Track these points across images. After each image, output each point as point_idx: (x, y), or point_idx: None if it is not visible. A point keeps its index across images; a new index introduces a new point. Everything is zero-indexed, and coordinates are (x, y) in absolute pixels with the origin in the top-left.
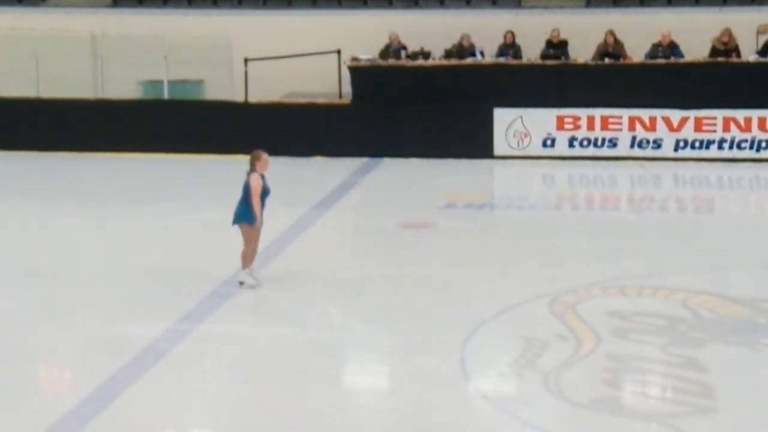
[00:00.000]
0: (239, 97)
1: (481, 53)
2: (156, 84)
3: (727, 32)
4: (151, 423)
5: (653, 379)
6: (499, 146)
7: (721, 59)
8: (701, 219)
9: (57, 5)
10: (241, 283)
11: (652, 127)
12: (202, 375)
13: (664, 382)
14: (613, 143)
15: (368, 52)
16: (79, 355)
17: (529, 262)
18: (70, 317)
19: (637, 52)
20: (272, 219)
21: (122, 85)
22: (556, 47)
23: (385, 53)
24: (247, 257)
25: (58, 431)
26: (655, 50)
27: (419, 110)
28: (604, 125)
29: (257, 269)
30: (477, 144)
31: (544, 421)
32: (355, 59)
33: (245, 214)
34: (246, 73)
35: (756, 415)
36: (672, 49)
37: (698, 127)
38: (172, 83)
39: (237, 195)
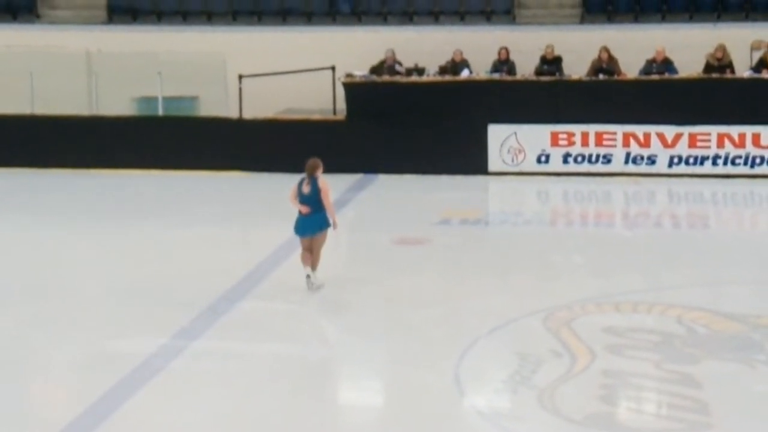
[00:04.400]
0: (234, 114)
1: (469, 69)
2: (150, 100)
3: (721, 48)
4: None
5: (648, 395)
6: (494, 162)
7: (715, 75)
8: (696, 235)
9: (52, 22)
10: (319, 286)
11: (646, 143)
12: (196, 391)
13: (658, 399)
14: (607, 159)
15: (363, 69)
16: (74, 372)
17: (524, 278)
18: (65, 333)
19: (631, 68)
20: (267, 235)
21: (117, 101)
22: (551, 63)
23: (379, 69)
24: (318, 261)
25: None
26: (650, 66)
27: (414, 126)
28: (599, 141)
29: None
30: (471, 160)
31: None
32: (349, 75)
33: (325, 221)
34: (240, 89)
35: (750, 430)
36: (666, 65)
37: (692, 143)
38: (166, 100)
39: (232, 210)
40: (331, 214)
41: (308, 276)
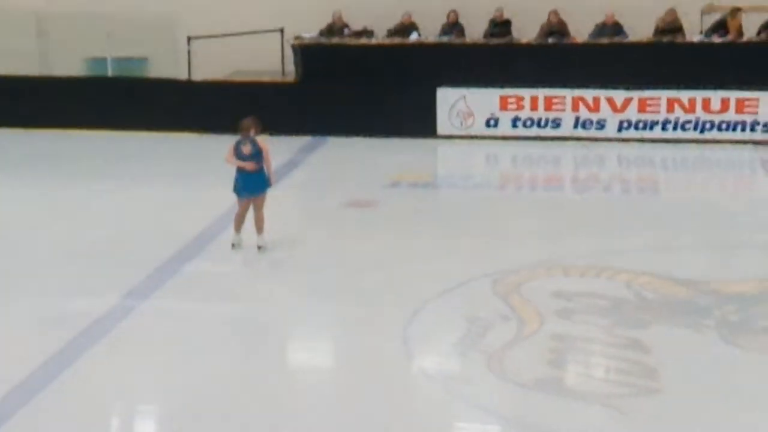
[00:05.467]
0: (183, 75)
1: (418, 32)
2: (100, 61)
3: (672, 12)
4: (97, 398)
5: (597, 359)
6: (443, 126)
7: (665, 39)
8: (645, 200)
9: None
10: (260, 247)
11: (595, 108)
12: (146, 351)
13: (607, 363)
14: (556, 123)
15: (311, 31)
16: (23, 331)
17: (473, 241)
18: (13, 293)
19: (581, 31)
20: (216, 197)
21: (67, 62)
22: (500, 26)
23: (328, 32)
24: (263, 222)
25: (4, 406)
26: (599, 30)
27: (363, 89)
28: (548, 105)
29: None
30: (421, 123)
31: (488, 401)
32: (298, 38)
33: (264, 181)
34: (189, 51)
35: (698, 395)
36: (616, 28)
37: (642, 107)
38: (116, 60)
39: (180, 171)
40: (270, 172)
41: (232, 244)
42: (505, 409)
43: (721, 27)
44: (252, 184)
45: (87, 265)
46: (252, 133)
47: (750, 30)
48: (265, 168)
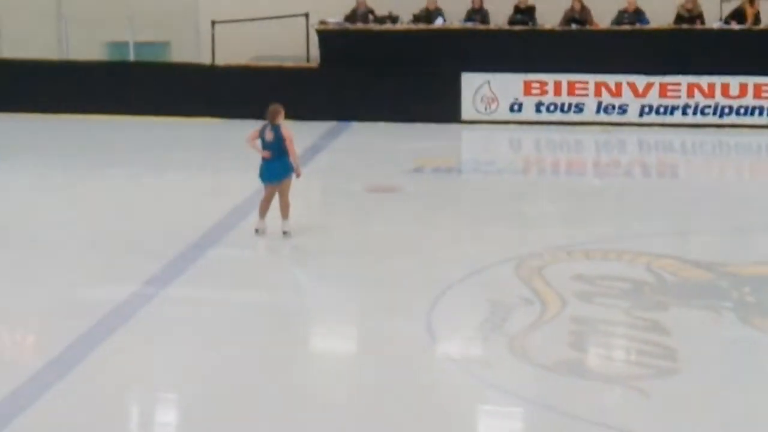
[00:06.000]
0: (206, 60)
1: (443, 17)
2: (121, 45)
3: (692, 0)
4: (116, 386)
5: (617, 341)
6: (467, 111)
7: (685, 26)
8: (665, 184)
9: None
10: (285, 233)
11: (617, 93)
12: (167, 339)
13: (627, 345)
14: (579, 108)
15: (336, 16)
16: (44, 319)
17: (496, 226)
18: (35, 280)
19: (603, 18)
20: (238, 182)
21: (87, 46)
22: (524, 13)
23: (352, 17)
24: (288, 208)
25: (23, 394)
26: (621, 16)
27: (387, 74)
28: (571, 90)
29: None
30: (445, 108)
31: (510, 383)
32: (323, 23)
33: (288, 168)
34: (213, 35)
35: (717, 376)
36: (638, 15)
37: (663, 92)
38: (137, 45)
39: (203, 157)
40: (294, 162)
41: (256, 230)
42: (527, 391)
43: (738, 14)
44: (274, 171)
45: (108, 252)
46: (278, 119)
47: (767, 17)
48: (290, 157)
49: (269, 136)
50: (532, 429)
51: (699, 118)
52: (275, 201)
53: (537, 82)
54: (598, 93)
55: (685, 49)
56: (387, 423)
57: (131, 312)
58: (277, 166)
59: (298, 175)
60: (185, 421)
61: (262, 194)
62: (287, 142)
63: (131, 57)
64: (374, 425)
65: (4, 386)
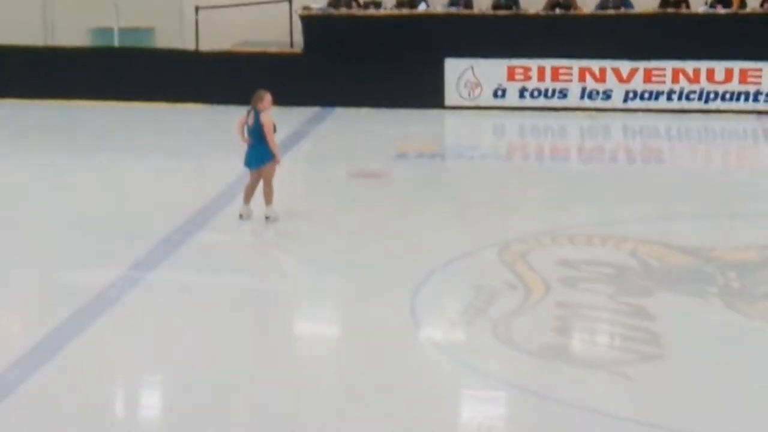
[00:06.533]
0: (190, 46)
1: (426, 2)
2: (106, 31)
3: None
4: (101, 370)
5: (601, 326)
6: (450, 96)
7: (670, 11)
8: (650, 169)
9: None
10: (268, 218)
11: (602, 78)
12: (154, 322)
13: (612, 330)
14: (563, 94)
15: (319, 2)
16: (29, 303)
17: (480, 211)
18: (19, 264)
19: (587, 3)
20: (222, 167)
21: (72, 32)
22: None
23: (336, 2)
24: (270, 194)
25: (8, 378)
26: (606, 1)
27: (371, 60)
28: (555, 76)
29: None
30: (428, 94)
31: (494, 368)
32: (306, 8)
33: (267, 155)
34: (197, 21)
35: (701, 362)
36: (622, 0)
37: (647, 78)
38: (122, 31)
39: (187, 142)
40: (273, 149)
41: (240, 215)
42: (511, 376)
43: None
44: (254, 156)
45: (92, 236)
46: (259, 106)
47: (753, 1)
48: (268, 143)
49: (250, 121)
50: (516, 414)
51: (684, 104)
52: (260, 187)
53: (521, 67)
54: (582, 78)
55: (669, 34)
56: (371, 408)
57: (116, 296)
58: (257, 152)
59: (277, 162)
60: (171, 406)
61: (247, 180)
62: (265, 129)
63: (116, 43)
64: (358, 410)
65: None
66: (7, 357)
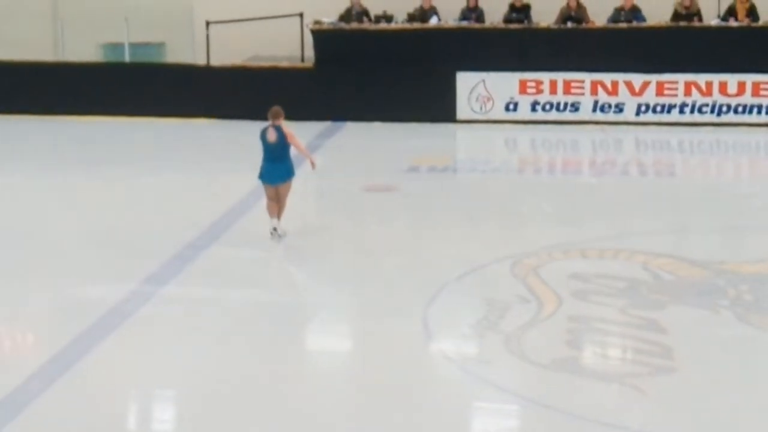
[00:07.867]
0: (201, 60)
1: (438, 16)
2: (117, 47)
3: None
4: (115, 384)
5: (613, 340)
6: (462, 110)
7: (683, 24)
8: (662, 183)
9: None
10: (275, 230)
11: (614, 92)
12: (166, 337)
13: (624, 343)
14: (575, 107)
15: (330, 16)
16: (43, 318)
17: (492, 225)
18: (33, 280)
19: (599, 16)
20: (234, 183)
21: (83, 47)
22: (519, 11)
23: (347, 17)
24: (283, 209)
25: (23, 392)
26: (618, 14)
27: (382, 74)
28: (567, 89)
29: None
30: (440, 108)
31: (506, 381)
32: (317, 23)
33: (291, 170)
34: (208, 36)
35: (714, 374)
36: (634, 13)
37: (660, 91)
38: (133, 46)
39: (198, 157)
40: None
41: (274, 229)
42: (523, 389)
43: (731, 12)
44: (278, 172)
45: (105, 252)
46: (279, 120)
47: (765, 14)
48: (298, 151)
49: (272, 136)
50: (529, 427)
51: (696, 117)
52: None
53: (533, 81)
54: (594, 92)
55: (682, 47)
56: (384, 421)
57: (129, 311)
58: (280, 168)
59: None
60: (182, 420)
61: (259, 194)
62: (290, 138)
63: (127, 58)
64: (371, 423)
65: (4, 385)
66: (22, 372)
